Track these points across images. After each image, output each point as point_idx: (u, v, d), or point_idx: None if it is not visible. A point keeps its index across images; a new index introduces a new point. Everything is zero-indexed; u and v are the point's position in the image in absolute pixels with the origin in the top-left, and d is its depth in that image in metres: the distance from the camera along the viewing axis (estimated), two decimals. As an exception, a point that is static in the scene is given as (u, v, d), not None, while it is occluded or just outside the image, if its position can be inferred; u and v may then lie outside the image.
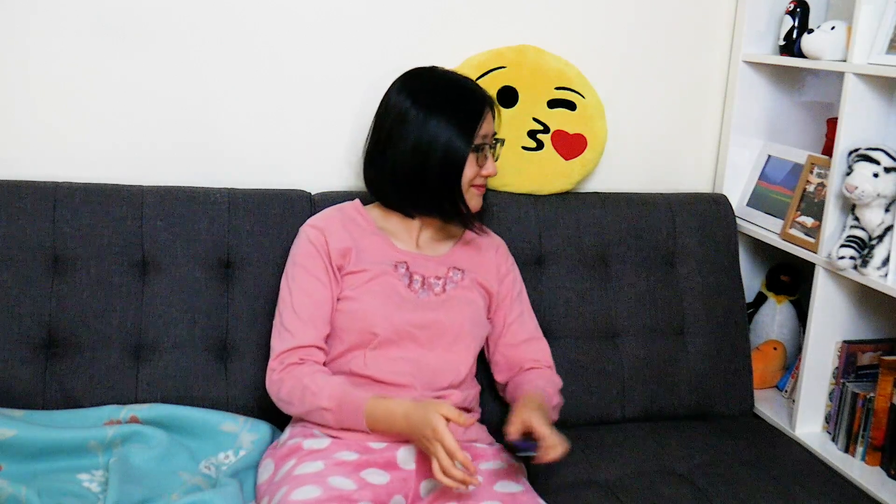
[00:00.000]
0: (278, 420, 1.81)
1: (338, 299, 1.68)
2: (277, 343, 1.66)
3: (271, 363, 1.64)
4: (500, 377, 1.83)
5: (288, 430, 1.68)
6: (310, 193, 1.94)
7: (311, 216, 1.88)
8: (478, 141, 1.69)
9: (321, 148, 2.06)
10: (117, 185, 1.85)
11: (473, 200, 1.73)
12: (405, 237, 1.76)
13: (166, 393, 1.78)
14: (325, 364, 1.68)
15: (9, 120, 1.90)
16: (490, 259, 1.82)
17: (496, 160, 1.76)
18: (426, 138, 1.65)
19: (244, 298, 1.85)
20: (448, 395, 1.68)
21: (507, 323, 1.81)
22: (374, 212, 1.78)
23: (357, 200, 1.81)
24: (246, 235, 1.86)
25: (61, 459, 1.61)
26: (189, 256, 1.83)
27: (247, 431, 1.73)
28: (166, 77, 1.95)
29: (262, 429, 1.74)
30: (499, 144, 1.77)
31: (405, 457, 1.57)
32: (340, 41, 2.02)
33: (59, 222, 1.79)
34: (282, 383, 1.62)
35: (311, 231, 1.71)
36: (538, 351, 1.83)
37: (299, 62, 2.02)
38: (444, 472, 1.42)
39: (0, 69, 1.88)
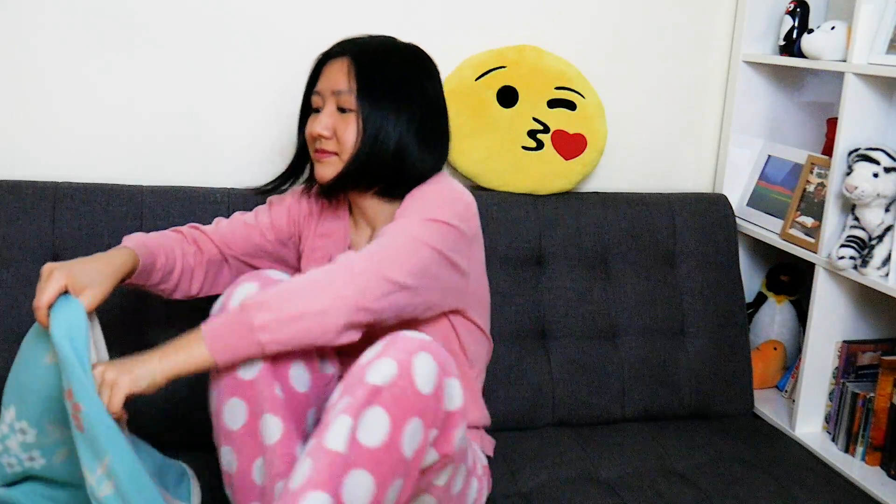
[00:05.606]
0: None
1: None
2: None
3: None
4: None
5: None
6: (310, 193, 1.94)
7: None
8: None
9: (321, 148, 2.06)
10: (117, 185, 1.85)
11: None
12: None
13: (166, 392, 1.77)
14: None
15: (9, 120, 1.90)
16: None
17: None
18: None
19: (244, 298, 1.84)
20: None
21: None
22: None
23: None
24: (246, 235, 1.86)
25: None
26: (189, 256, 1.83)
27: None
28: (166, 77, 1.95)
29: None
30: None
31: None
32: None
33: (59, 222, 1.79)
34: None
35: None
36: None
37: (299, 62, 2.01)
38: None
39: (0, 70, 1.88)
